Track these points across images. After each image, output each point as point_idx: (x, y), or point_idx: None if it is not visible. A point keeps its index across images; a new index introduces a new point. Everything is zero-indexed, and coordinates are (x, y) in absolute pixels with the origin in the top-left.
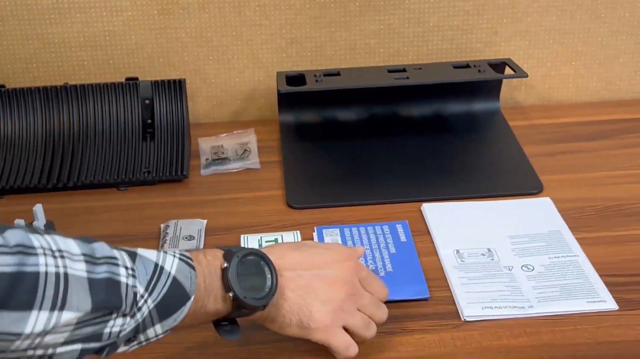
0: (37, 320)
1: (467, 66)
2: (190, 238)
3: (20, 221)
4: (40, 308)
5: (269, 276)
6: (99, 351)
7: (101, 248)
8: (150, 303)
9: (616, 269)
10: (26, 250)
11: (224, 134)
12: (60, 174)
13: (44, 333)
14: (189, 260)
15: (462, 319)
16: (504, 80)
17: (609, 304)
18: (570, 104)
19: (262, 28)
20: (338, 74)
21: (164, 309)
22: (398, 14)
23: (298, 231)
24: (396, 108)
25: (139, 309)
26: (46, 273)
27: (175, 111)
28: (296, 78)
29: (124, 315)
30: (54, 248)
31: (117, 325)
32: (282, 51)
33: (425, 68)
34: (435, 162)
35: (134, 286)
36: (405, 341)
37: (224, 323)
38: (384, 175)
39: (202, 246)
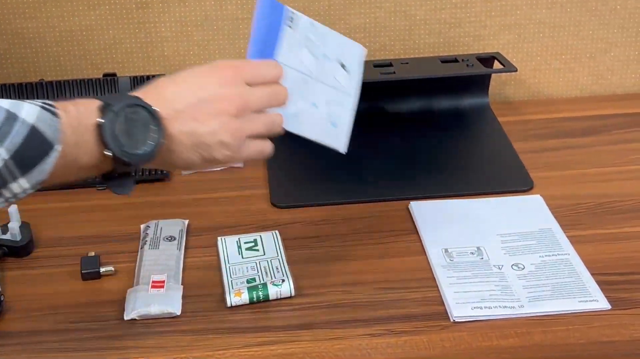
0: None
1: (455, 60)
2: (171, 238)
3: None
4: None
5: (154, 124)
6: None
7: None
8: (4, 154)
9: (608, 267)
10: None
11: None
12: None
13: None
14: (51, 108)
15: (451, 320)
16: (493, 75)
17: (601, 303)
18: (560, 99)
19: (244, 22)
20: None
21: (24, 159)
22: (384, 7)
23: (277, 231)
24: (382, 104)
25: (2, 179)
26: None
27: None
28: None
29: None
30: None
31: None
32: None
33: (412, 63)
34: (423, 159)
35: None
36: (392, 343)
37: (116, 178)
38: (370, 172)
39: (183, 248)
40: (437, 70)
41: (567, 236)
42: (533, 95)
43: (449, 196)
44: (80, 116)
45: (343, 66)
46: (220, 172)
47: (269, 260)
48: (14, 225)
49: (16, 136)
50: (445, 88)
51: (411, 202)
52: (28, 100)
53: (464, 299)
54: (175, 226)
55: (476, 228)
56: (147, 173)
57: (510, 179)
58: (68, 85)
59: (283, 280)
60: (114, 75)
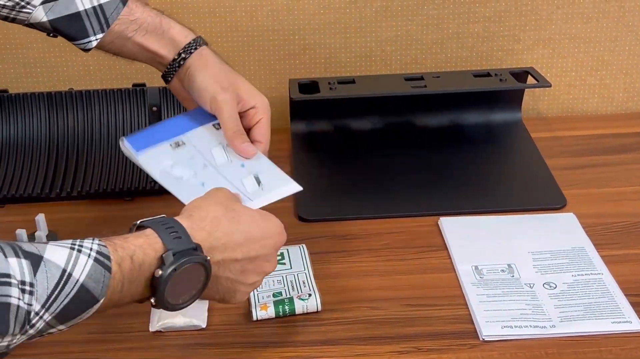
0: None
1: (488, 75)
2: None
3: (21, 232)
4: None
5: (202, 284)
6: None
7: None
8: (47, 317)
9: None
10: None
11: None
12: (63, 183)
13: None
14: (106, 261)
15: (481, 339)
16: (526, 90)
17: (635, 324)
18: (595, 115)
19: (275, 33)
20: (353, 82)
21: (65, 315)
22: (416, 20)
23: (304, 245)
24: (413, 118)
25: (32, 326)
26: None
27: None
28: (309, 86)
29: (13, 334)
30: None
31: (5, 341)
32: (295, 57)
33: (444, 77)
34: (453, 174)
35: (29, 304)
36: None
37: None
38: (399, 187)
39: None
40: (469, 85)
41: (601, 256)
42: (567, 111)
43: (480, 212)
44: (134, 270)
45: (257, 179)
46: None
47: (295, 274)
48: (41, 234)
49: (65, 298)
50: (476, 103)
51: (441, 218)
52: (83, 244)
53: (494, 318)
54: None
55: (507, 245)
56: None
57: (543, 196)
58: (97, 94)
59: (310, 295)
60: (143, 85)
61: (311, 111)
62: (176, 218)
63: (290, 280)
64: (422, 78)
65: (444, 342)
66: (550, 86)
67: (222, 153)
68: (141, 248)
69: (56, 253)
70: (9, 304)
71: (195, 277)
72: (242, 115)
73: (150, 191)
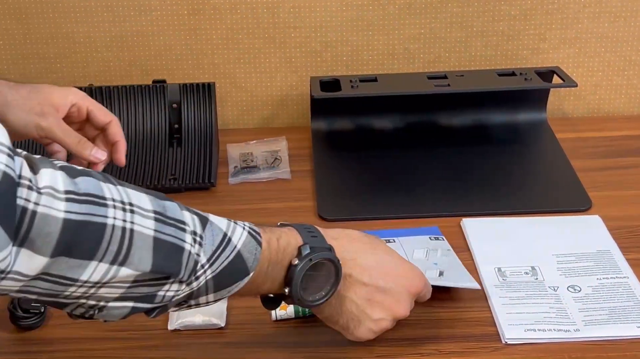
0: (95, 270)
1: (513, 74)
2: None
3: None
4: (100, 260)
5: (330, 285)
6: (148, 311)
7: (172, 208)
8: (209, 274)
9: None
10: (96, 200)
11: (254, 141)
12: None
13: (100, 284)
14: (257, 236)
15: (503, 342)
16: (552, 90)
17: None
18: (621, 116)
19: (296, 30)
20: (375, 80)
21: (221, 281)
22: (440, 17)
23: None
24: (436, 117)
25: (197, 278)
26: (113, 226)
27: (204, 116)
28: (330, 84)
29: (181, 282)
30: (126, 200)
31: (171, 290)
32: (317, 55)
33: (468, 76)
34: (476, 174)
35: (198, 255)
36: None
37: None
38: (422, 187)
39: None
40: (493, 84)
41: (626, 259)
42: (593, 111)
43: (503, 213)
44: (279, 252)
45: (440, 274)
46: (267, 182)
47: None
48: None
49: (225, 260)
50: (501, 103)
51: (463, 219)
52: (236, 221)
53: (517, 321)
54: None
55: (531, 247)
56: (193, 181)
57: (568, 198)
58: (117, 91)
59: None
60: (163, 82)
61: (332, 109)
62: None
63: None
64: (445, 77)
65: (466, 345)
66: (576, 86)
67: (423, 253)
68: (286, 234)
69: (217, 219)
70: (182, 248)
71: (326, 275)
72: (75, 118)
73: (169, 188)
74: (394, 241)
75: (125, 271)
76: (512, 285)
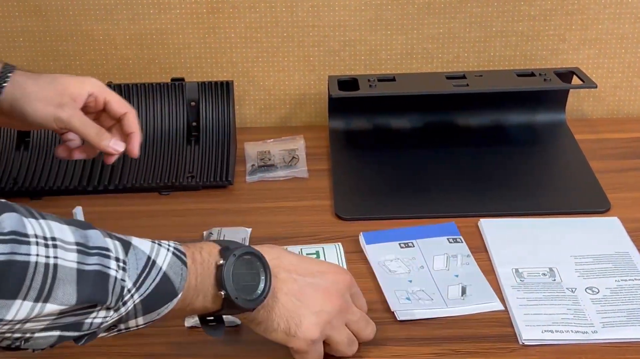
0: (19, 309)
1: (532, 74)
2: None
3: None
4: (24, 298)
5: (263, 278)
6: (77, 339)
7: (95, 237)
8: (137, 298)
9: None
10: (19, 238)
11: (271, 140)
12: (101, 176)
13: (25, 321)
14: (182, 256)
15: (520, 343)
16: (571, 91)
17: None
18: None
19: (315, 29)
20: (393, 79)
21: (150, 304)
22: (459, 17)
23: (340, 244)
24: (454, 117)
25: (124, 303)
26: (36, 263)
27: (222, 114)
28: (348, 83)
29: (108, 308)
30: (48, 235)
31: (99, 317)
32: (335, 54)
33: (487, 76)
34: (494, 175)
35: (123, 280)
36: None
37: (210, 318)
38: (439, 187)
39: None
40: (512, 84)
41: None
42: (612, 113)
43: (521, 214)
44: (204, 263)
45: (463, 290)
46: (284, 181)
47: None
48: None
49: (152, 282)
50: (520, 103)
51: (481, 219)
52: (161, 242)
53: (534, 322)
54: (238, 234)
55: (549, 248)
56: (211, 179)
57: (586, 199)
58: (136, 88)
59: None
60: (181, 80)
61: (350, 108)
62: None
63: None
64: (464, 77)
65: (483, 345)
66: (596, 87)
67: (443, 261)
68: (207, 245)
69: (141, 242)
70: (108, 275)
71: (255, 271)
72: (91, 108)
73: (187, 186)
74: (413, 246)
75: (51, 307)
76: (529, 286)
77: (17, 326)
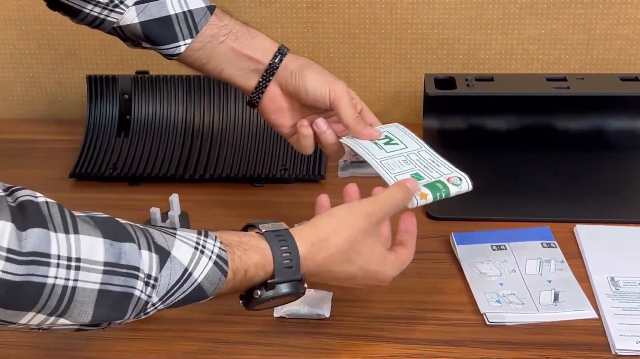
0: (32, 318)
1: (636, 79)
2: None
3: (155, 210)
4: (38, 312)
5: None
6: (96, 326)
7: (130, 253)
8: (160, 307)
9: None
10: (39, 259)
11: None
12: (197, 165)
13: (38, 327)
14: (224, 266)
15: (613, 353)
16: None
17: None
18: None
19: (413, 27)
20: (491, 80)
21: (174, 305)
22: (562, 18)
23: (396, 123)
24: (552, 120)
25: (146, 314)
26: (54, 285)
27: None
28: (445, 82)
29: (127, 320)
30: (73, 255)
31: (114, 324)
32: (432, 52)
33: (588, 79)
34: (592, 180)
35: (149, 297)
36: None
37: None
38: (534, 191)
39: None
40: (615, 88)
41: None
42: None
43: (619, 222)
44: (244, 282)
45: (556, 296)
46: (375, 178)
47: (416, 151)
48: (174, 214)
49: (181, 294)
50: (622, 108)
51: (577, 225)
52: (208, 243)
53: (629, 332)
54: None
55: None
56: (303, 172)
57: None
58: None
59: (460, 179)
60: None
61: (446, 108)
62: (298, 237)
63: (414, 159)
64: (565, 79)
65: (574, 353)
66: None
67: (536, 266)
68: (255, 266)
69: (181, 250)
70: (132, 295)
71: (286, 302)
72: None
73: (280, 179)
74: (505, 248)
75: (64, 321)
76: (625, 296)
77: (33, 327)
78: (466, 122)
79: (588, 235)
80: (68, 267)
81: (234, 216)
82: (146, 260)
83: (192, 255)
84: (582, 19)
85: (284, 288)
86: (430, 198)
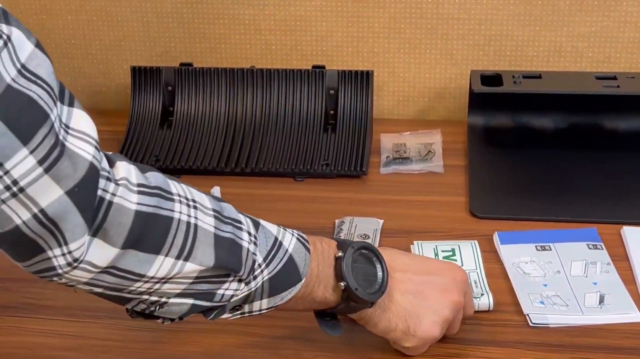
0: (161, 265)
1: None
2: (365, 236)
3: None
4: (167, 254)
5: (381, 273)
6: (206, 311)
7: (229, 209)
8: (266, 274)
9: None
10: (164, 194)
11: (408, 132)
12: (238, 159)
13: (164, 279)
14: (305, 242)
15: None
16: None
17: None
18: None
19: (460, 22)
20: (539, 77)
21: (276, 284)
22: (613, 16)
23: (476, 241)
24: (601, 120)
25: (255, 277)
26: (179, 220)
27: (360, 103)
28: (492, 79)
29: (240, 280)
30: (189, 197)
31: (231, 288)
32: (479, 48)
33: (639, 78)
34: None
35: (254, 254)
36: None
37: (327, 317)
38: (580, 191)
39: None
40: None
41: None
42: None
43: None
44: (324, 251)
45: (601, 298)
46: (418, 175)
47: (467, 272)
48: None
49: (279, 262)
50: None
51: (624, 227)
52: (285, 227)
53: None
54: (370, 224)
55: None
56: (345, 168)
57: None
58: (277, 74)
59: (482, 294)
60: (322, 67)
61: (491, 105)
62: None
63: None
64: (615, 78)
65: (618, 357)
66: None
67: (582, 268)
68: (324, 238)
69: (268, 224)
70: (241, 246)
71: (372, 266)
72: None
73: (321, 174)
74: (550, 249)
75: (190, 267)
76: None
77: (157, 286)
78: (512, 119)
79: (635, 236)
80: (188, 205)
81: (276, 211)
82: (243, 219)
83: (277, 229)
84: (634, 17)
85: (358, 244)
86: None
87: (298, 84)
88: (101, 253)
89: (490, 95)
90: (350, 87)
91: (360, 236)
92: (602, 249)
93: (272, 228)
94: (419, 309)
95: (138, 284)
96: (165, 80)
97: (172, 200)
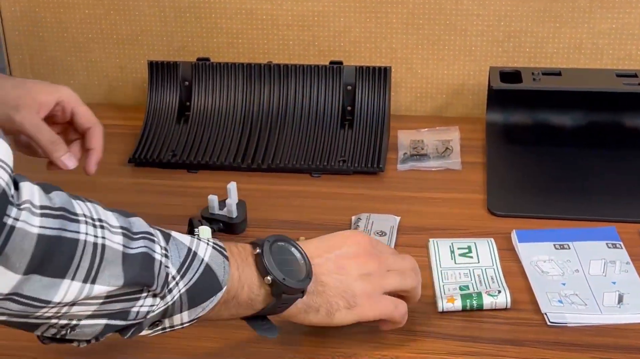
0: (68, 290)
1: None
2: (382, 233)
3: (213, 197)
4: (73, 278)
5: (302, 260)
6: (122, 330)
7: (138, 223)
8: (182, 287)
9: None
10: (69, 215)
11: (425, 129)
12: (255, 155)
13: (72, 303)
14: (222, 249)
15: None
16: None
17: None
18: None
19: (479, 18)
20: (559, 74)
21: (195, 295)
22: (635, 13)
23: (492, 239)
24: (621, 118)
25: (170, 291)
26: (85, 241)
27: (377, 100)
28: (511, 75)
29: (155, 295)
30: (95, 216)
31: (146, 305)
32: (498, 45)
33: None
34: None
35: (167, 266)
36: None
37: (262, 321)
38: (600, 189)
39: (393, 245)
40: None
41: None
42: None
43: None
44: (240, 253)
45: (620, 298)
46: (436, 172)
47: (483, 268)
48: (232, 202)
49: (194, 273)
50: None
51: None
52: (200, 237)
53: None
54: (386, 221)
55: None
56: (362, 164)
57: None
58: (294, 69)
59: (499, 291)
60: (340, 63)
61: (510, 102)
62: None
63: (477, 274)
64: (635, 76)
65: (637, 357)
66: None
67: (601, 267)
68: (238, 243)
69: (180, 235)
70: (153, 258)
71: (291, 254)
72: (59, 118)
73: (338, 170)
74: (569, 248)
75: (98, 289)
76: None
77: (65, 310)
78: (531, 117)
79: None
80: (94, 226)
81: (292, 206)
82: (154, 231)
83: (190, 239)
84: None
85: (272, 238)
86: (458, 304)
87: (315, 80)
88: (2, 279)
89: (509, 92)
90: (368, 83)
91: (377, 232)
92: (622, 248)
93: (185, 239)
94: (347, 281)
95: (44, 310)
96: (182, 75)
97: (77, 221)
